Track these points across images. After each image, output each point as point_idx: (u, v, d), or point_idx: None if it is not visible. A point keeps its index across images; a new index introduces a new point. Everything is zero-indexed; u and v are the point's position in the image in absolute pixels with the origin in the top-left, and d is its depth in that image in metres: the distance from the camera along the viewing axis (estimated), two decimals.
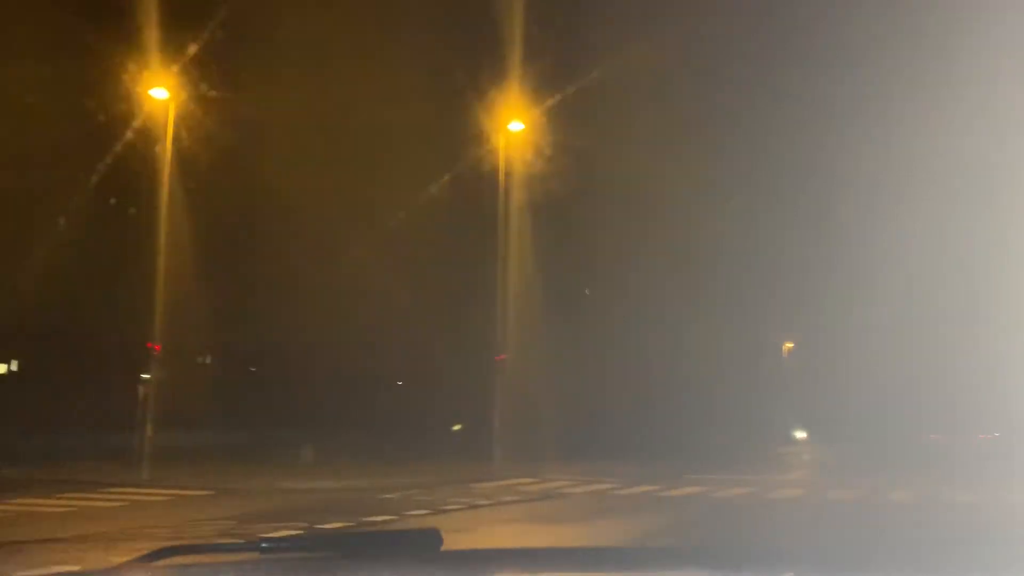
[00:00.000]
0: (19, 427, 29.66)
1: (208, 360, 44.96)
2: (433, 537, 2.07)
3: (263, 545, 1.98)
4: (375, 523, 12.08)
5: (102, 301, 32.90)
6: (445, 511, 13.96)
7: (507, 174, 22.51)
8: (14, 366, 49.71)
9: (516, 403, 24.19)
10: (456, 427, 18.11)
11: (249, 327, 34.87)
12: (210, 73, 21.37)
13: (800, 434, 52.53)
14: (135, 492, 17.01)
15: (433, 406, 27.69)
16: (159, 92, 20.01)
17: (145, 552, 2.02)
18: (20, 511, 14.35)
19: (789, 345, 57.04)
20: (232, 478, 19.15)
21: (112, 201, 28.45)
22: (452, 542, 2.22)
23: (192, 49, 20.53)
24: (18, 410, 33.57)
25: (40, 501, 15.61)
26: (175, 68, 20.15)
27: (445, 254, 25.95)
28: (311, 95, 23.90)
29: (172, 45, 20.39)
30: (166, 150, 20.68)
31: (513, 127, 22.16)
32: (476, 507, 14.73)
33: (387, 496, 16.16)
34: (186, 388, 31.41)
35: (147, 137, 21.39)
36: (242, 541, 2.19)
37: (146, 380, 21.24)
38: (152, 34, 20.12)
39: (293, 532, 10.64)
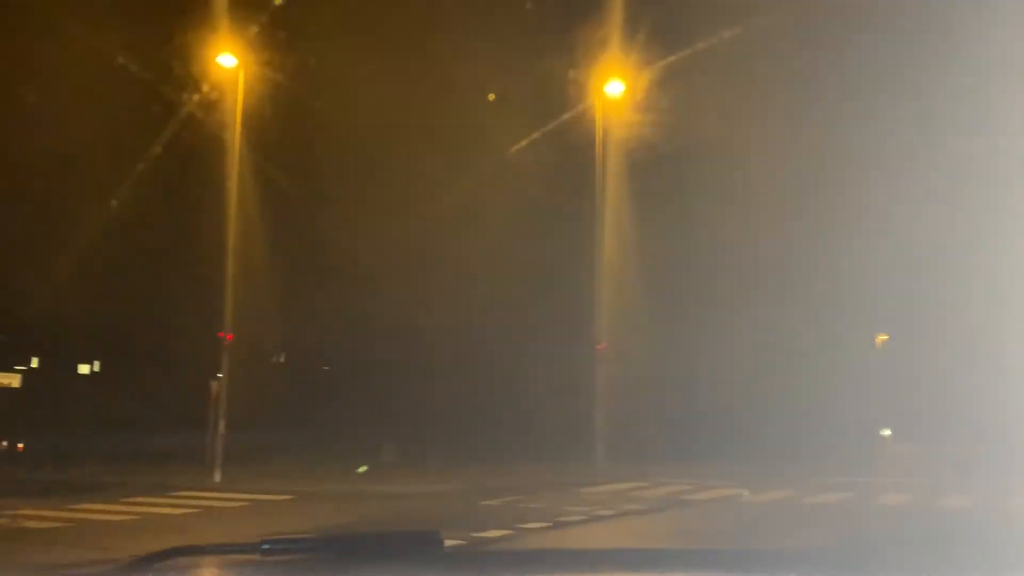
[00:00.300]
0: (95, 426, 28.39)
1: (282, 359, 43.40)
2: (434, 538, 2.01)
3: (264, 546, 1.92)
4: (490, 540, 9.57)
5: (176, 298, 31.42)
6: (565, 524, 11.38)
7: (604, 142, 19.84)
8: (96, 367, 49.52)
9: (614, 396, 21.46)
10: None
11: (321, 323, 32.96)
12: (282, 39, 19.23)
13: (884, 432, 48.46)
14: (207, 497, 14.92)
15: (523, 401, 25.08)
16: (227, 59, 17.95)
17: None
18: (80, 519, 12.36)
19: (883, 337, 52.72)
20: (313, 481, 16.95)
21: (178, 190, 26.73)
22: None
23: (263, 14, 18.45)
24: (97, 409, 32.53)
25: (103, 507, 13.65)
26: (245, 34, 18.07)
27: (536, 232, 23.18)
28: (391, 59, 21.51)
29: (240, 11, 18.34)
30: (235, 126, 18.65)
31: (611, 89, 19.46)
32: (600, 519, 12.10)
33: (489, 503, 13.67)
34: (260, 386, 29.57)
35: (214, 112, 19.41)
36: (244, 542, 1.99)
37: (219, 377, 19.30)
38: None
39: None
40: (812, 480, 18.27)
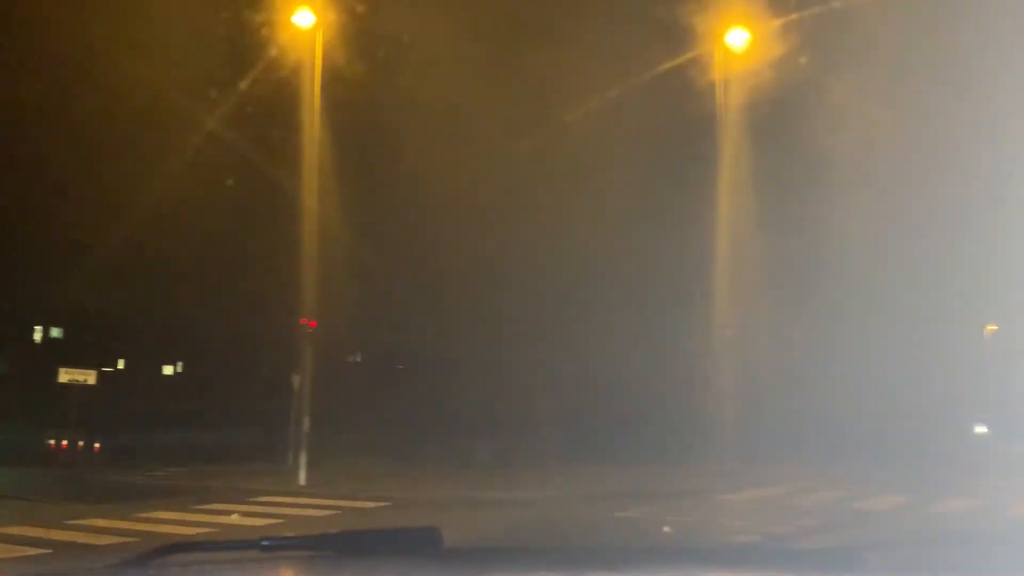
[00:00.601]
0: (174, 426, 26.90)
1: (359, 358, 41.58)
2: (434, 535, 1.96)
3: (264, 543, 1.87)
4: None
5: (256, 293, 29.76)
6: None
7: (724, 103, 17.05)
8: (179, 367, 49.12)
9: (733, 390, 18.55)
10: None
11: (400, 318, 30.77)
12: None
13: (980, 428, 43.99)
14: (291, 503, 12.74)
15: (627, 395, 22.25)
16: (304, 17, 15.79)
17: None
18: (148, 532, 10.26)
19: (992, 328, 48.00)
20: (406, 485, 14.63)
21: (253, 173, 24.79)
22: None
23: None
24: (176, 409, 31.24)
25: (175, 516, 11.59)
26: None
27: (643, 203, 20.15)
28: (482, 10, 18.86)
29: None
30: (313, 96, 16.49)
31: (733, 39, 16.64)
32: (778, 538, 9.34)
33: (626, 515, 11.05)
34: (338, 384, 27.51)
35: (289, 81, 17.21)
36: (243, 539, 1.95)
37: (300, 372, 17.22)
38: None
39: None
40: (990, 485, 15.07)
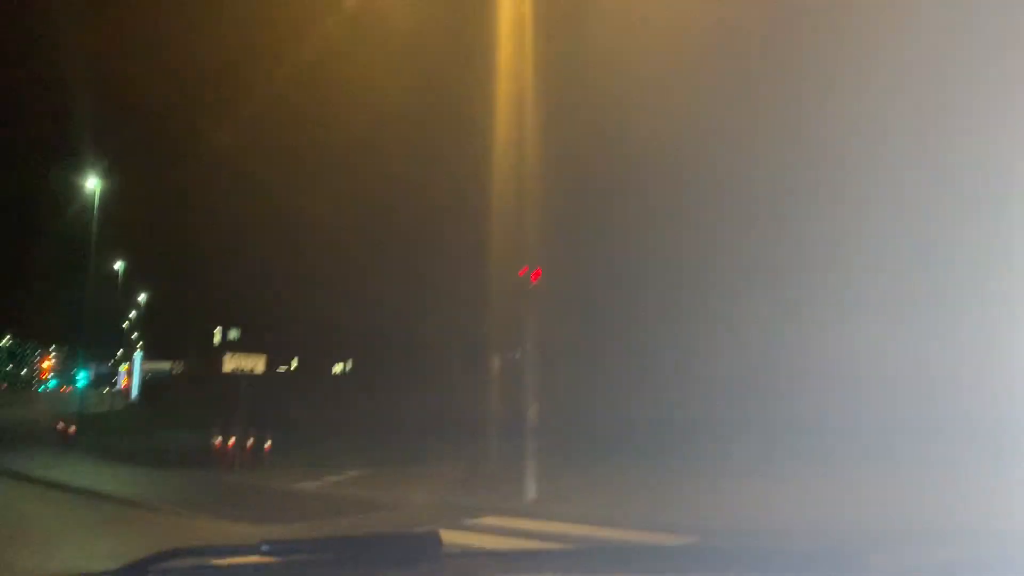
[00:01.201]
0: (353, 426, 23.58)
1: (518, 355, 37.78)
2: (433, 540, 1.90)
3: (264, 547, 1.82)
4: None
5: (435, 276, 26.23)
6: None
7: None
8: (348, 365, 47.94)
9: None
10: None
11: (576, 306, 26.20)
12: None
13: None
14: (535, 531, 8.18)
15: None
16: None
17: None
18: None
19: None
20: (690, 504, 9.69)
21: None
22: None
23: None
24: (357, 408, 28.37)
25: None
26: None
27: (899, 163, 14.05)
28: None
29: None
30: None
31: None
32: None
33: None
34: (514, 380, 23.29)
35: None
36: (243, 543, 1.89)
37: (521, 342, 12.79)
38: None
39: None
40: None
